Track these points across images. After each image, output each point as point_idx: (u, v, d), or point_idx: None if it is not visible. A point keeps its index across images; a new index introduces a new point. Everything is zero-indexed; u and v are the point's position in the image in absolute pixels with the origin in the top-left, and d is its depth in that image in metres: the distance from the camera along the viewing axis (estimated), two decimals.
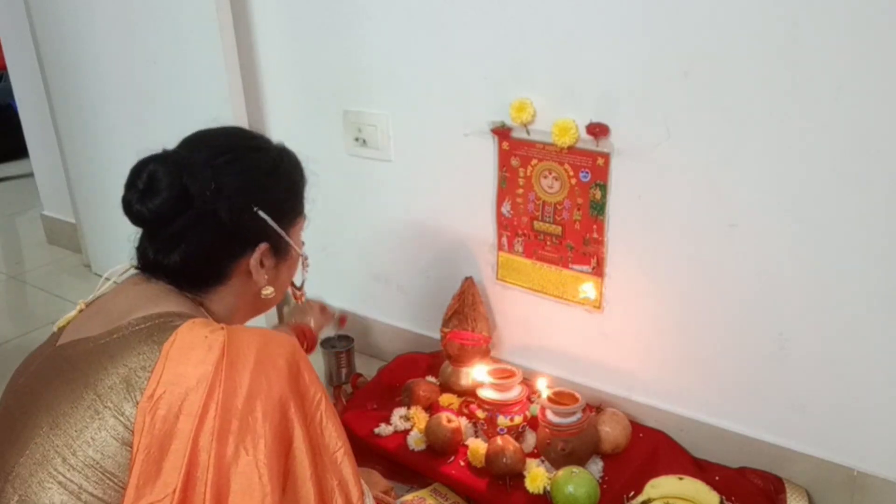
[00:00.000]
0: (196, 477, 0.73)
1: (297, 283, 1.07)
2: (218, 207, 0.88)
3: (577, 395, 1.34)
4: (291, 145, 1.92)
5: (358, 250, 1.77)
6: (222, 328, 0.81)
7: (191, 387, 0.75)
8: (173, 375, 0.76)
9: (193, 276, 0.91)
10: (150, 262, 0.90)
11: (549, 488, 1.26)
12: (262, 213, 0.92)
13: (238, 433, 0.75)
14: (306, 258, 1.03)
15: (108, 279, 0.98)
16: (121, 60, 1.91)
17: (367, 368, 1.74)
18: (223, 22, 1.62)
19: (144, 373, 0.77)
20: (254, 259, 0.93)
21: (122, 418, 0.75)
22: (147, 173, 0.88)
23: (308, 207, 1.03)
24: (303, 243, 1.02)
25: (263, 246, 0.93)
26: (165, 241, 0.89)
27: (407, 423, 1.46)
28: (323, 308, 1.44)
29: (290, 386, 0.79)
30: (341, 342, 1.72)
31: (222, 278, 0.92)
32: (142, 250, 0.92)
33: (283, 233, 0.95)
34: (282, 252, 0.96)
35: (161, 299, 0.87)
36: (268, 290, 0.96)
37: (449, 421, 1.39)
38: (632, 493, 1.27)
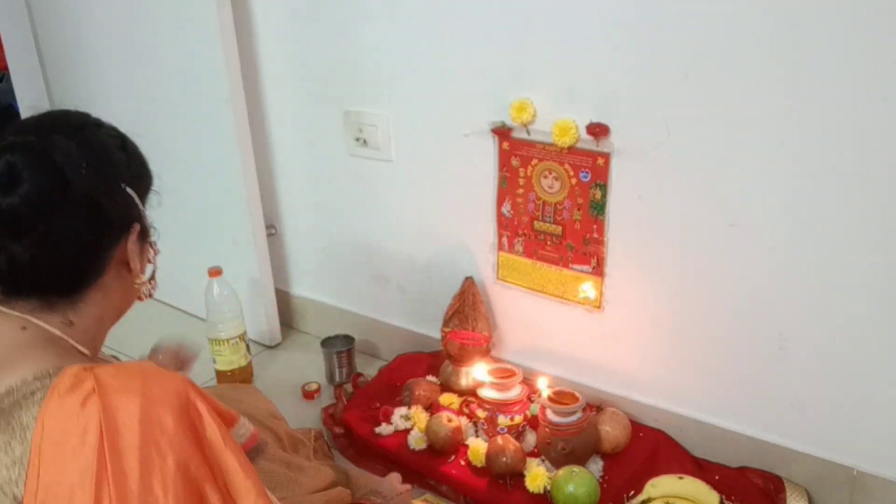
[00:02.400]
0: None
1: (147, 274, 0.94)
2: (93, 189, 0.77)
3: (578, 394, 1.34)
4: (292, 145, 1.94)
5: (358, 250, 1.77)
6: (93, 390, 0.68)
7: (75, 483, 0.66)
8: (53, 475, 0.66)
9: (72, 277, 0.80)
10: (11, 275, 0.77)
11: (549, 488, 1.26)
12: (129, 190, 0.83)
13: None
14: (154, 242, 0.92)
15: None
16: (121, 61, 1.91)
17: (367, 368, 1.74)
18: (224, 22, 1.62)
19: (14, 470, 0.67)
20: (131, 242, 0.83)
21: None
22: (3, 163, 0.73)
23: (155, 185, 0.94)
24: (152, 226, 0.92)
25: (137, 226, 0.84)
26: (39, 239, 0.75)
27: (407, 423, 1.46)
28: (177, 352, 1.26)
29: (184, 444, 0.70)
30: (342, 342, 1.72)
31: (100, 272, 0.81)
32: None
33: (145, 212, 0.86)
34: (145, 235, 0.87)
35: (13, 350, 0.74)
36: (141, 278, 0.86)
37: (449, 420, 1.39)
38: (632, 492, 1.27)
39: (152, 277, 0.92)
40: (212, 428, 0.72)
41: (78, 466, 0.66)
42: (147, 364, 0.75)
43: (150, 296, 0.92)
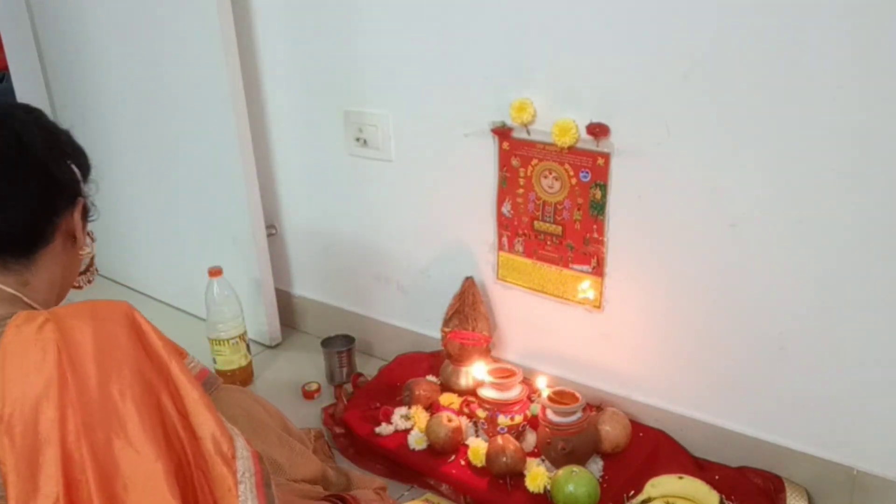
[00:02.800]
0: (76, 478, 0.71)
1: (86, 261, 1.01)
2: (47, 157, 0.86)
3: (578, 394, 1.34)
4: (292, 145, 1.94)
5: (358, 250, 1.77)
6: (47, 319, 0.75)
7: (40, 393, 0.72)
8: (17, 391, 0.72)
9: (27, 238, 0.86)
10: None
11: (549, 487, 1.26)
12: (73, 167, 0.91)
13: (103, 422, 0.72)
14: (92, 231, 0.99)
15: None
16: (122, 60, 1.91)
17: (367, 368, 1.74)
18: (224, 22, 1.62)
19: None
20: (77, 213, 0.91)
21: None
22: None
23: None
24: (93, 205, 0.99)
25: (81, 201, 0.92)
26: None
27: (408, 423, 1.46)
28: None
29: (136, 354, 0.76)
30: (342, 342, 1.72)
31: (50, 237, 0.88)
32: None
33: (85, 189, 0.93)
34: (86, 213, 0.95)
35: None
36: (85, 250, 0.94)
37: (449, 420, 1.39)
38: (632, 492, 1.27)
39: (90, 266, 1.00)
40: (157, 343, 0.78)
41: (42, 379, 0.72)
42: (93, 300, 0.82)
43: (90, 282, 1.00)
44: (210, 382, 0.93)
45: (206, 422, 0.78)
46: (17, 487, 0.70)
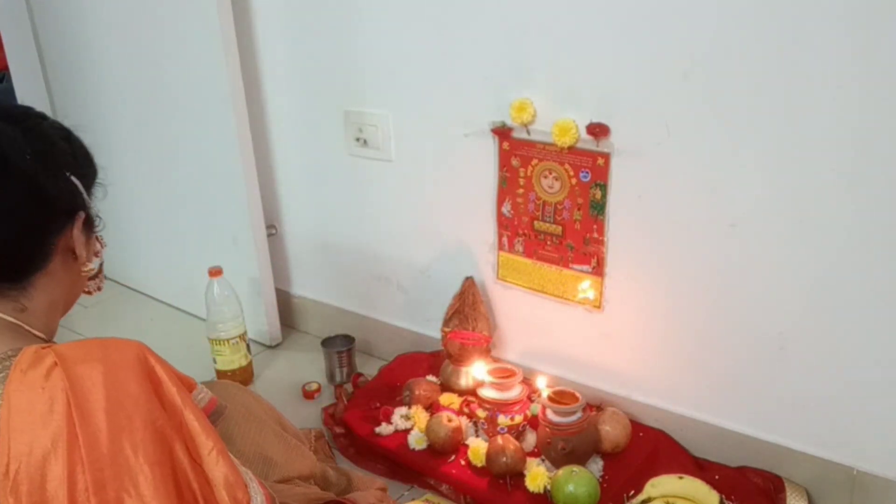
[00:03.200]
0: None
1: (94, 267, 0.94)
2: (37, 173, 0.79)
3: (578, 394, 1.34)
4: (292, 145, 1.94)
5: (358, 250, 1.77)
6: (55, 363, 0.70)
7: (47, 450, 0.67)
8: (23, 445, 0.68)
9: (17, 261, 0.81)
10: None
11: (549, 487, 1.26)
12: (73, 179, 0.84)
13: (114, 479, 0.68)
14: (101, 237, 0.93)
15: None
16: (122, 61, 1.91)
17: (367, 368, 1.74)
18: (224, 22, 1.62)
19: None
20: (76, 229, 0.84)
21: None
22: None
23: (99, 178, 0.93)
24: (97, 216, 0.92)
25: (82, 215, 0.85)
26: None
27: (408, 423, 1.46)
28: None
29: (149, 405, 0.72)
30: (342, 342, 1.72)
31: (46, 258, 0.82)
32: None
33: (90, 201, 0.87)
34: (90, 225, 0.88)
35: None
36: (88, 266, 0.87)
37: (449, 420, 1.39)
38: (632, 492, 1.27)
39: (99, 272, 0.94)
40: (171, 390, 0.74)
41: (49, 434, 0.68)
42: (104, 338, 0.77)
43: (100, 289, 0.95)
44: (219, 412, 0.91)
45: (219, 469, 0.75)
46: None
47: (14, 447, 0.68)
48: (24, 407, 0.69)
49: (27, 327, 0.81)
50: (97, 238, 0.91)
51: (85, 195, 0.86)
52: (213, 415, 0.87)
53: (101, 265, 0.94)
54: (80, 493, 0.68)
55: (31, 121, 0.84)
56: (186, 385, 0.79)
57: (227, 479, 0.75)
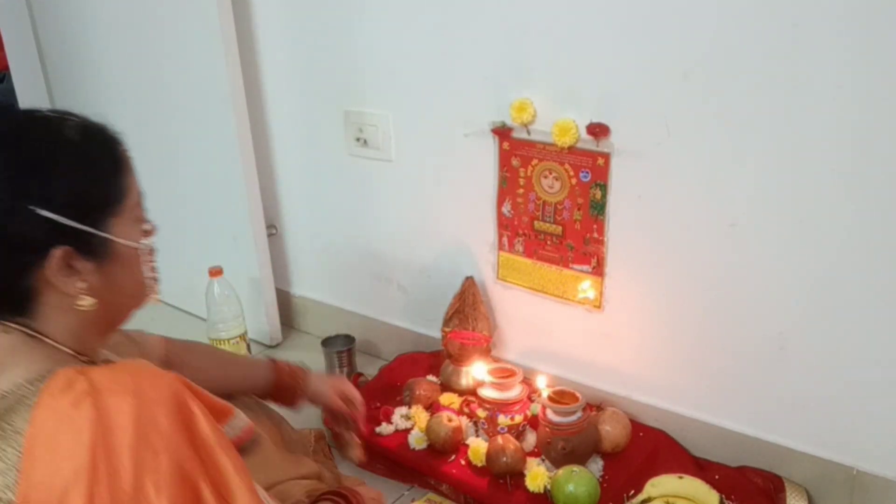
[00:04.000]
0: None
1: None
2: None
3: (578, 394, 1.34)
4: (292, 145, 1.93)
5: (359, 250, 1.77)
6: (87, 392, 0.68)
7: (69, 482, 0.65)
8: (45, 475, 0.66)
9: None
10: None
11: (549, 487, 1.26)
12: (43, 212, 0.73)
13: None
14: (151, 250, 0.85)
15: None
16: (122, 61, 1.92)
17: (367, 368, 1.74)
18: (224, 22, 1.62)
19: (9, 476, 0.66)
20: (49, 269, 0.74)
21: None
22: None
23: (143, 189, 0.85)
24: (145, 232, 0.84)
25: (58, 251, 0.74)
26: None
27: (408, 423, 1.46)
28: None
29: (178, 443, 0.69)
30: (342, 342, 1.72)
31: (31, 296, 0.76)
32: None
33: (89, 228, 0.76)
34: (99, 251, 0.77)
35: (1, 353, 0.74)
36: (86, 301, 0.77)
37: (450, 420, 1.39)
38: (632, 491, 1.27)
39: (153, 280, 0.86)
40: (205, 427, 0.72)
41: (72, 466, 0.65)
42: (140, 363, 0.74)
43: (153, 297, 0.87)
44: (255, 440, 0.87)
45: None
46: None
47: (35, 476, 0.66)
48: (49, 434, 0.67)
49: (52, 342, 0.77)
50: (144, 254, 0.83)
51: (75, 224, 0.75)
52: (249, 444, 0.84)
53: (153, 274, 0.85)
54: None
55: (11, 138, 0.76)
56: (223, 412, 0.76)
57: None
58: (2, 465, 0.67)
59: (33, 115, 0.82)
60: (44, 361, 0.74)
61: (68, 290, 0.76)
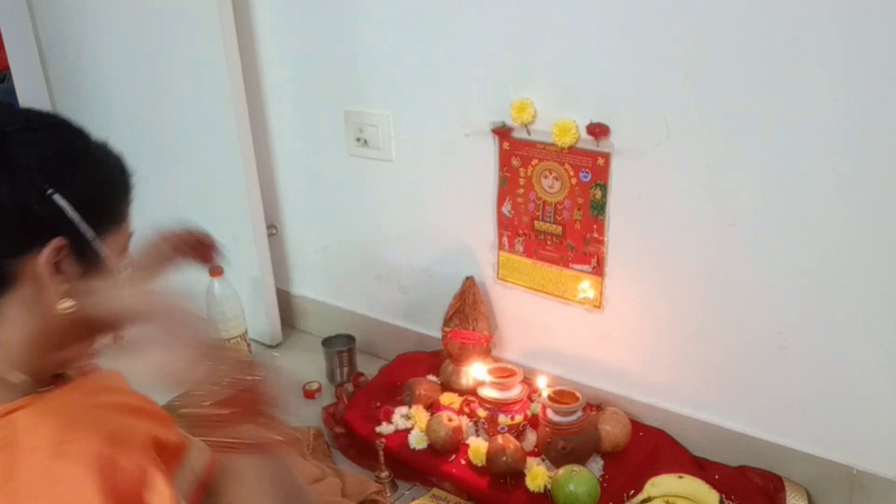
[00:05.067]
0: None
1: None
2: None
3: (578, 393, 1.34)
4: (293, 145, 1.93)
5: (359, 250, 1.77)
6: (2, 445, 0.61)
7: None
8: None
9: None
10: None
11: (549, 487, 1.26)
12: (59, 199, 0.70)
13: None
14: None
15: None
16: (123, 61, 1.91)
17: (368, 367, 1.74)
18: (224, 22, 1.62)
19: None
20: (44, 256, 0.69)
21: None
22: None
23: (137, 223, 0.81)
24: (127, 260, 0.79)
25: (57, 241, 0.69)
26: None
27: (408, 422, 1.46)
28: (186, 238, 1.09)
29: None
30: (343, 341, 1.72)
31: (6, 281, 0.69)
32: None
33: (88, 230, 0.72)
34: (90, 260, 0.73)
35: None
36: (65, 304, 0.70)
37: (450, 420, 1.40)
38: (632, 491, 1.27)
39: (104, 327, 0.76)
40: (149, 490, 0.63)
41: None
42: (74, 417, 0.65)
43: (116, 343, 0.77)
44: (219, 482, 0.78)
45: None
46: None
47: None
48: None
49: (3, 360, 0.69)
50: (121, 277, 0.77)
51: (79, 221, 0.71)
52: (213, 487, 0.76)
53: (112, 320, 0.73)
54: None
55: (40, 122, 0.76)
56: (172, 456, 0.69)
57: None
58: None
59: (52, 114, 0.80)
60: None
61: (49, 284, 0.70)
